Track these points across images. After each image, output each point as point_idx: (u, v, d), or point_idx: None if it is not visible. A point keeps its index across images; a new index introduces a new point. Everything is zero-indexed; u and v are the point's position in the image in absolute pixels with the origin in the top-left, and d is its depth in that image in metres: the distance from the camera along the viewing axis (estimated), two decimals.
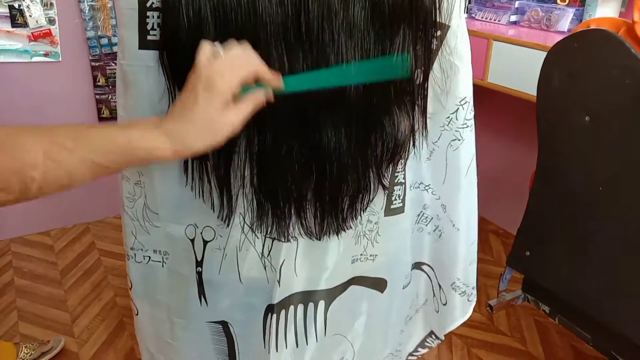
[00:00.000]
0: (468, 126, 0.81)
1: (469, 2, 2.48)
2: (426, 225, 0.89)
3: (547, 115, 1.21)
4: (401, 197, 0.82)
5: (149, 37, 0.66)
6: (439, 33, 0.72)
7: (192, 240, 0.76)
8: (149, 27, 0.65)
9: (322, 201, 0.71)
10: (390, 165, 0.74)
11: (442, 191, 0.85)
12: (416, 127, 0.73)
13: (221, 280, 0.77)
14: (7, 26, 2.40)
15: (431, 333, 1.03)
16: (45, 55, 2.49)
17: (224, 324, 0.82)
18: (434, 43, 0.71)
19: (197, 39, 0.60)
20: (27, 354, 1.89)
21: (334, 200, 0.71)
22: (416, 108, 0.72)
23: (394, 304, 0.92)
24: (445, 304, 0.96)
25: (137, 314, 0.88)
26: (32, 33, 2.42)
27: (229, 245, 0.75)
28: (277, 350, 0.81)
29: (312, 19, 0.60)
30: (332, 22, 0.61)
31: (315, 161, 0.67)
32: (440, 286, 0.95)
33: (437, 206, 0.87)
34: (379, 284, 0.88)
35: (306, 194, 0.70)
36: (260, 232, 0.72)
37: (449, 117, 0.79)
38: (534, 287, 1.39)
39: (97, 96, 2.65)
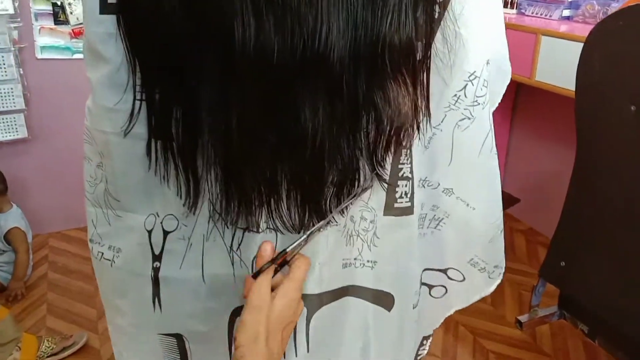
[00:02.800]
0: (479, 103, 0.69)
1: None
2: (422, 226, 0.78)
3: (586, 107, 1.06)
4: (408, 195, 0.71)
5: (109, 0, 0.59)
6: None
7: (150, 232, 0.68)
8: None
9: (301, 189, 0.62)
10: (389, 153, 0.63)
11: (446, 175, 0.74)
12: (419, 107, 0.63)
13: (181, 278, 0.69)
14: (50, 23, 2.44)
15: (422, 341, 0.91)
16: None
17: (179, 338, 0.73)
18: (436, 10, 0.61)
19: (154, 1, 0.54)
20: (48, 347, 1.89)
21: (314, 188, 0.62)
22: (417, 87, 0.62)
23: (405, 326, 0.80)
24: (463, 280, 0.85)
25: (105, 314, 0.81)
26: (72, 30, 2.45)
27: (195, 234, 0.67)
28: None
29: None
30: None
31: (289, 142, 0.58)
32: (447, 269, 0.84)
33: (436, 195, 0.75)
34: (383, 299, 0.76)
35: (280, 179, 0.61)
36: (228, 221, 0.63)
37: (455, 94, 0.68)
38: (570, 303, 1.23)
39: None
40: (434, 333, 0.95)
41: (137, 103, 0.60)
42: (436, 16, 0.61)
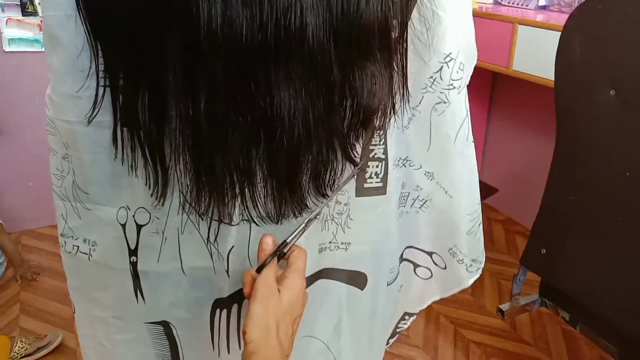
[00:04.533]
0: (455, 87, 0.68)
1: None
2: (404, 204, 0.78)
3: (566, 91, 1.05)
4: (380, 176, 0.69)
5: None
6: None
7: (124, 226, 0.65)
8: None
9: (277, 176, 0.59)
10: (361, 135, 0.62)
11: (426, 159, 0.74)
12: (395, 89, 0.61)
13: (161, 271, 0.66)
14: (17, 15, 2.37)
15: (403, 316, 0.93)
16: None
17: (165, 325, 0.71)
18: None
19: None
20: (22, 347, 1.84)
21: (291, 175, 0.59)
22: (394, 67, 0.60)
23: (379, 303, 0.80)
24: (444, 268, 0.86)
25: (74, 312, 0.77)
26: (42, 21, 2.37)
27: (168, 227, 0.64)
28: (228, 353, 0.69)
29: None
30: None
31: (263, 127, 0.55)
32: (431, 252, 0.85)
33: (418, 176, 0.76)
34: (356, 279, 0.75)
35: (255, 167, 0.58)
36: (201, 213, 0.60)
37: (432, 76, 0.67)
38: (551, 291, 1.23)
39: None
40: (416, 321, 0.95)
41: (101, 89, 0.57)
42: None
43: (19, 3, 2.35)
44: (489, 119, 2.84)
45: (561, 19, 1.94)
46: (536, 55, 1.88)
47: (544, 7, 2.17)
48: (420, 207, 0.79)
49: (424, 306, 0.94)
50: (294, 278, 0.60)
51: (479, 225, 0.83)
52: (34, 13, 2.39)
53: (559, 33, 1.61)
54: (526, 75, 1.92)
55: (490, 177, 2.77)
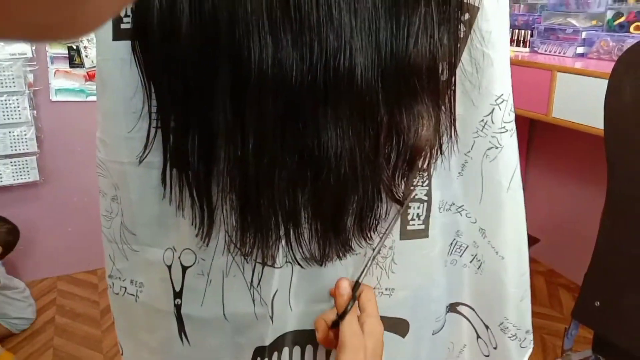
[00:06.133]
0: (507, 130, 0.65)
1: (531, 36, 2.32)
2: (461, 255, 0.73)
3: (617, 135, 1.02)
4: (422, 218, 0.67)
5: (122, 26, 0.58)
6: (467, 16, 0.59)
7: (169, 267, 0.64)
8: (122, 13, 0.57)
9: (322, 217, 0.58)
10: (407, 175, 0.60)
11: (479, 212, 0.69)
12: (442, 130, 0.60)
13: (203, 316, 0.64)
14: (65, 66, 2.47)
15: None
16: None
17: None
18: (462, 29, 0.59)
19: (169, 21, 0.52)
20: None
21: (336, 216, 0.58)
22: (442, 108, 0.59)
23: (422, 352, 0.75)
24: (495, 348, 0.78)
25: (122, 354, 0.76)
26: (87, 73, 2.48)
27: (213, 269, 0.63)
28: None
29: None
30: None
31: (310, 167, 0.55)
32: (487, 326, 0.78)
33: (474, 231, 0.71)
34: (398, 326, 0.72)
35: (300, 208, 0.57)
36: (245, 254, 0.59)
37: (483, 120, 0.64)
38: (606, 346, 1.16)
39: None
40: None
41: (152, 130, 0.58)
42: (461, 35, 0.59)
43: (67, 55, 2.46)
44: (527, 167, 2.79)
45: (600, 66, 1.93)
46: (577, 102, 1.85)
47: (581, 55, 2.16)
48: (479, 268, 0.74)
49: None
50: (374, 324, 0.59)
51: (528, 287, 0.76)
52: (81, 65, 2.49)
53: (600, 80, 1.59)
54: (567, 122, 1.89)
55: (531, 227, 2.67)
